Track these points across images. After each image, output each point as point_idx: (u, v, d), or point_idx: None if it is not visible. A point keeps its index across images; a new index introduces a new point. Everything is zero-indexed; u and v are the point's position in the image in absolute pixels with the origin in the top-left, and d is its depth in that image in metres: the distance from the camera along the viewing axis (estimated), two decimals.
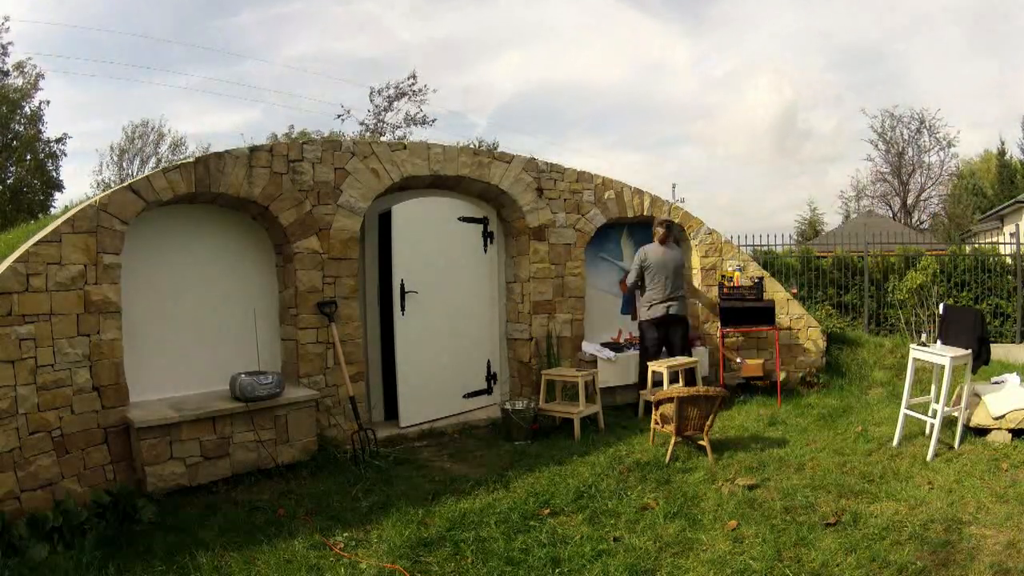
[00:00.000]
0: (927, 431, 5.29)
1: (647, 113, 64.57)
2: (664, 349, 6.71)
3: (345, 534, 3.65)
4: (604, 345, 6.97)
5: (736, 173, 60.39)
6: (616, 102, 62.79)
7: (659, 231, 6.81)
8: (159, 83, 51.47)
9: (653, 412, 5.25)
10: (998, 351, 7.90)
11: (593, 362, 6.68)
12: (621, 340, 7.24)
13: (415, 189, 6.31)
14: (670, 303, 6.62)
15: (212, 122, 45.07)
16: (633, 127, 64.15)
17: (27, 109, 22.89)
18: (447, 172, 6.14)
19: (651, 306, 6.65)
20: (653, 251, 6.74)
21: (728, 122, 58.20)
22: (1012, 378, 5.39)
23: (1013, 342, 10.23)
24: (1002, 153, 32.50)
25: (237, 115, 48.97)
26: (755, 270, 7.72)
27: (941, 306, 5.68)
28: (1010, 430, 5.01)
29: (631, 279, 6.84)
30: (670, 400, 4.96)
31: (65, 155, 24.02)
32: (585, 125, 63.17)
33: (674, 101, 62.86)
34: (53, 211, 19.11)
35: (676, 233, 7.37)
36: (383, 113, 23.14)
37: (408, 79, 23.22)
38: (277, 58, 48.34)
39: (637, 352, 6.92)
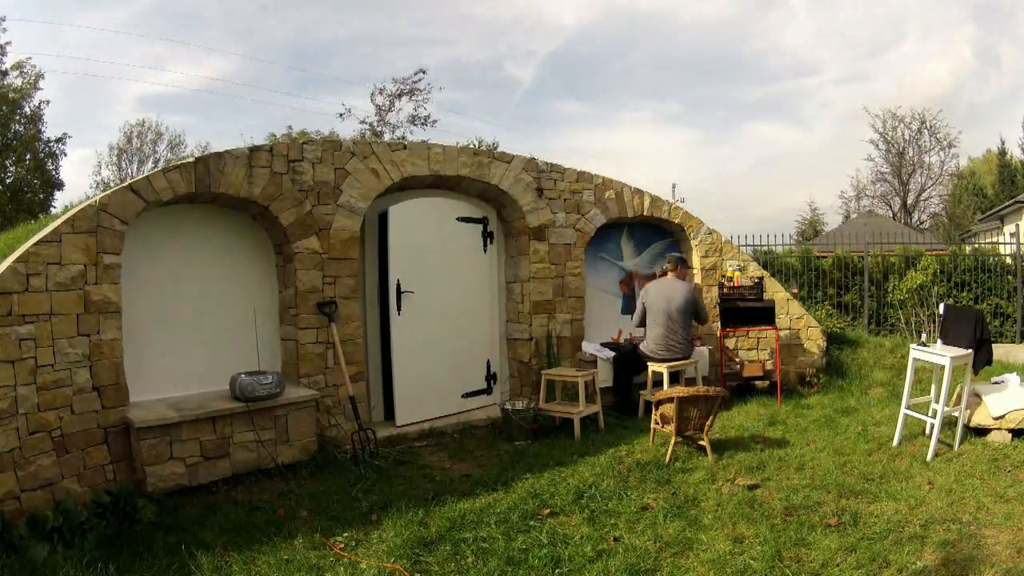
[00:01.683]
0: (927, 431, 5.29)
1: (735, 66, 49.96)
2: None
3: (345, 534, 3.64)
4: (604, 345, 6.96)
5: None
6: (698, 46, 48.63)
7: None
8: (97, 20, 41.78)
9: (653, 412, 5.25)
10: (998, 351, 7.88)
11: (593, 362, 6.68)
12: (621, 340, 7.23)
13: (415, 189, 6.31)
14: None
15: (171, 80, 39.80)
16: (709, 87, 50.01)
17: (27, 109, 22.91)
18: (447, 172, 6.14)
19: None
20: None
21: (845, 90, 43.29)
22: (1012, 378, 5.38)
23: (1013, 342, 10.23)
24: (1003, 153, 32.52)
25: (195, 66, 42.17)
26: (755, 270, 7.72)
27: (941, 306, 5.67)
28: (1010, 430, 5.01)
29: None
30: (670, 400, 4.96)
31: (65, 155, 24.08)
32: (648, 81, 50.57)
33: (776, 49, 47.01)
34: (53, 211, 19.14)
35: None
36: (385, 112, 23.19)
37: (415, 75, 23.18)
38: None
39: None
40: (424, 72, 23.21)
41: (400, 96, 23.13)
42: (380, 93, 23.14)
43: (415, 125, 23.42)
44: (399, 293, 5.87)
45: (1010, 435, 5.00)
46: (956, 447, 4.97)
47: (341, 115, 23.98)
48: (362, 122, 23.09)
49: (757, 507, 3.93)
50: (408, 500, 4.08)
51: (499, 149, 6.98)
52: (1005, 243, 11.53)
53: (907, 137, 33.41)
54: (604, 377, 6.56)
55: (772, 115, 49.93)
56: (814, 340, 7.69)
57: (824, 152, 46.77)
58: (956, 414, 5.15)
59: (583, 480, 4.46)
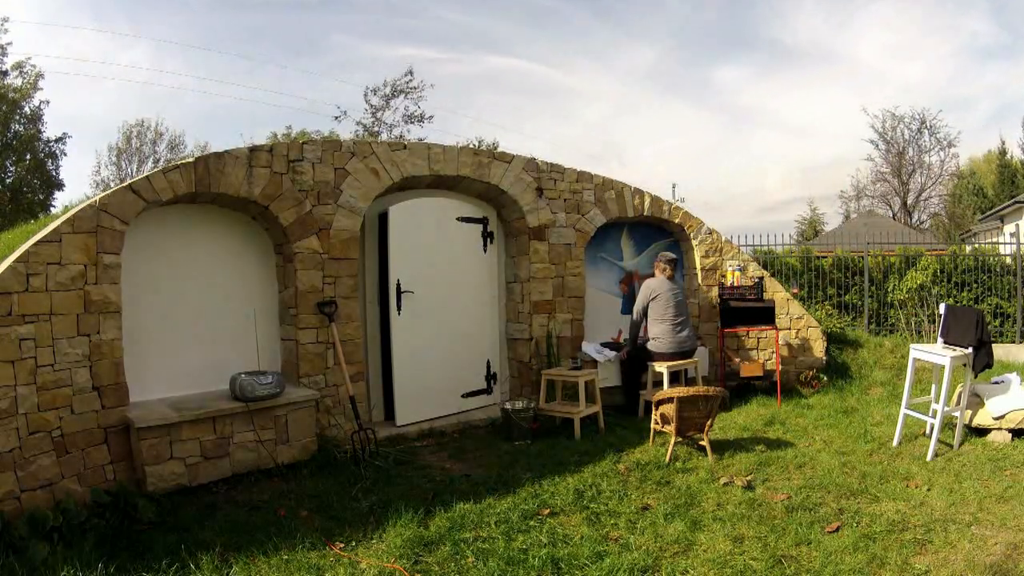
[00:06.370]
0: (927, 431, 5.29)
1: None
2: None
3: (345, 534, 3.64)
4: (604, 345, 6.96)
5: None
6: None
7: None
8: None
9: (653, 412, 5.25)
10: (998, 351, 7.89)
11: (593, 362, 6.67)
12: (621, 340, 7.24)
13: (415, 189, 6.31)
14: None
15: None
16: None
17: (27, 109, 22.90)
18: (447, 172, 6.14)
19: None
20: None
21: None
22: (1012, 378, 5.38)
23: (1013, 342, 10.23)
24: (1003, 153, 32.50)
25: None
26: (755, 270, 7.71)
27: (942, 306, 5.67)
28: (1010, 430, 5.01)
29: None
30: (670, 400, 4.95)
31: (65, 155, 24.07)
32: None
33: None
34: (53, 211, 19.14)
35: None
36: (380, 112, 23.32)
37: (404, 76, 23.48)
38: None
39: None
40: (411, 74, 23.68)
41: (394, 96, 23.36)
42: (373, 93, 23.35)
43: (411, 123, 23.62)
44: (399, 293, 5.87)
45: (1010, 435, 5.00)
46: (956, 447, 4.97)
47: (337, 118, 24.13)
48: (358, 123, 23.22)
49: (757, 507, 3.93)
50: (408, 500, 4.08)
51: (499, 149, 6.97)
52: (1005, 243, 11.53)
53: (907, 137, 33.43)
54: (604, 376, 6.56)
55: None
56: (814, 340, 7.69)
57: None
58: (956, 414, 5.15)
59: (583, 480, 4.46)
